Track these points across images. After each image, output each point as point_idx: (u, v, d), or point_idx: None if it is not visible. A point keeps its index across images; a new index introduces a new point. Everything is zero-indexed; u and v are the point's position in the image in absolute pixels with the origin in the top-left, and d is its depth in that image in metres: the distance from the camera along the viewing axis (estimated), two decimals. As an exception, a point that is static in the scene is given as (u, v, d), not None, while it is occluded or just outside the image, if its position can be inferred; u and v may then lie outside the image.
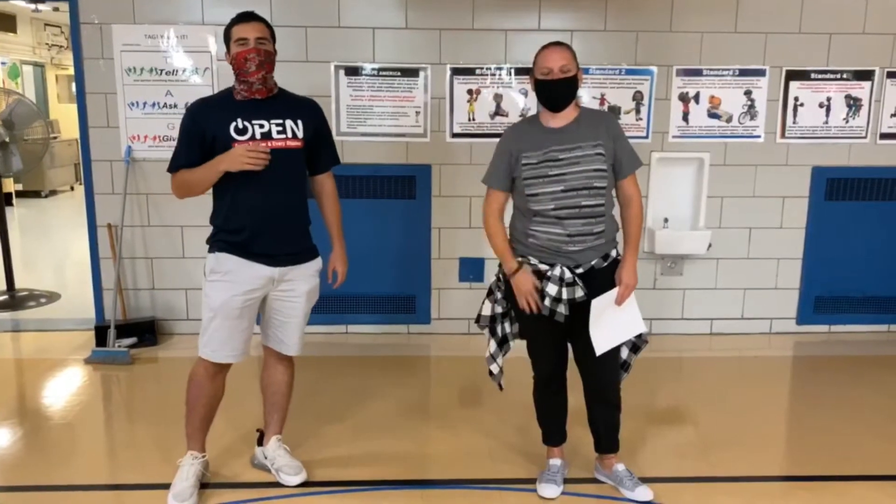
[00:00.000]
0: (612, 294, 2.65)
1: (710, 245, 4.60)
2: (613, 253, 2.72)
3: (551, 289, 2.62)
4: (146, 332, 4.49)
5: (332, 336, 4.68)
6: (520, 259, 2.70)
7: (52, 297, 5.57)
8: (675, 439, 3.38)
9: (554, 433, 2.93)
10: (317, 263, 2.83)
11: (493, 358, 2.89)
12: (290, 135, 2.66)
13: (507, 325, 2.88)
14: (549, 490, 2.82)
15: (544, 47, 2.67)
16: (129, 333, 4.42)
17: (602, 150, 2.61)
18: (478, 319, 2.89)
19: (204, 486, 2.80)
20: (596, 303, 2.64)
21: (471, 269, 4.70)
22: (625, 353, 2.83)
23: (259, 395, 3.01)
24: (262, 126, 2.62)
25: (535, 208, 2.64)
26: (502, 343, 2.90)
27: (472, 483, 2.92)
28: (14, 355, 4.53)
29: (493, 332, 2.88)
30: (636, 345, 2.85)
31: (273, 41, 2.67)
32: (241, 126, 2.60)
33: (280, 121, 2.65)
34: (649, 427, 3.45)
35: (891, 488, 2.93)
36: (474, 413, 3.65)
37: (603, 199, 2.63)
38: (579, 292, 2.63)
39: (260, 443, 3.01)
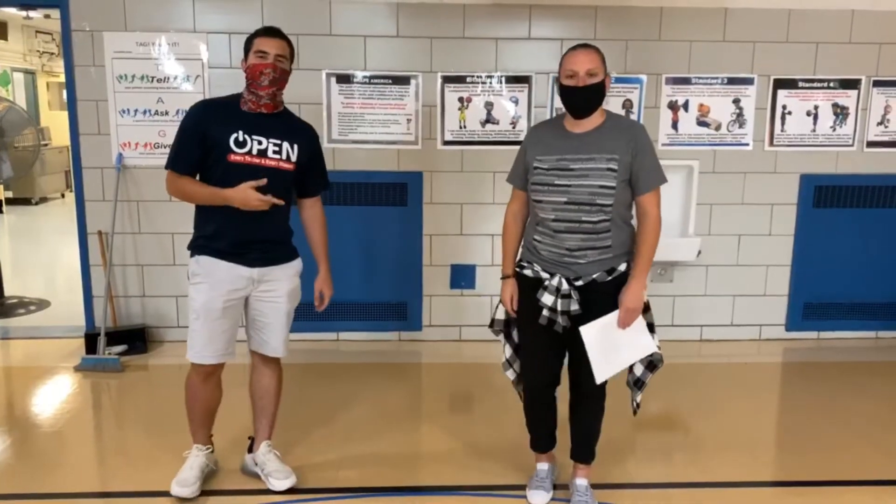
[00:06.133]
0: (611, 318, 2.51)
1: (699, 252, 4.63)
2: (622, 267, 2.54)
3: (547, 299, 2.53)
4: (136, 339, 4.47)
5: (322, 343, 4.68)
6: (523, 264, 2.66)
7: (41, 304, 5.55)
8: (665, 445, 3.39)
9: (543, 440, 2.88)
10: (297, 264, 2.86)
11: (508, 364, 2.80)
12: (284, 157, 2.70)
13: None
14: (539, 497, 2.79)
15: (571, 49, 2.49)
16: (120, 341, 4.40)
17: (615, 165, 2.44)
18: (492, 324, 2.80)
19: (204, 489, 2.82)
20: (585, 330, 2.51)
21: (462, 276, 4.71)
22: (639, 370, 2.67)
23: (247, 403, 3.01)
24: (260, 143, 2.66)
25: (540, 215, 2.56)
26: (518, 349, 2.78)
27: (463, 489, 2.92)
28: (3, 363, 4.50)
29: (507, 337, 2.79)
30: (652, 362, 2.66)
31: (291, 61, 2.71)
32: (241, 139, 2.63)
33: (278, 141, 2.69)
34: (639, 433, 3.46)
35: (880, 493, 2.96)
36: (465, 419, 3.66)
37: (608, 215, 2.48)
38: (574, 305, 2.52)
39: (250, 450, 3.01)
